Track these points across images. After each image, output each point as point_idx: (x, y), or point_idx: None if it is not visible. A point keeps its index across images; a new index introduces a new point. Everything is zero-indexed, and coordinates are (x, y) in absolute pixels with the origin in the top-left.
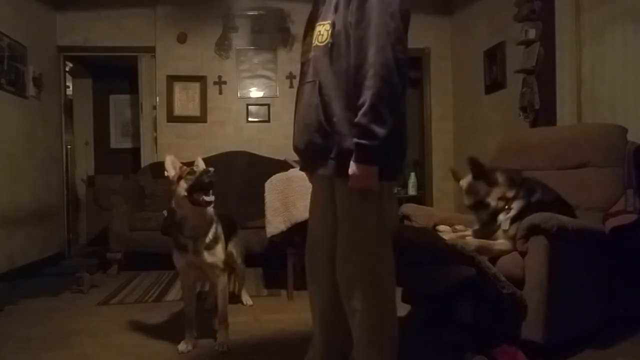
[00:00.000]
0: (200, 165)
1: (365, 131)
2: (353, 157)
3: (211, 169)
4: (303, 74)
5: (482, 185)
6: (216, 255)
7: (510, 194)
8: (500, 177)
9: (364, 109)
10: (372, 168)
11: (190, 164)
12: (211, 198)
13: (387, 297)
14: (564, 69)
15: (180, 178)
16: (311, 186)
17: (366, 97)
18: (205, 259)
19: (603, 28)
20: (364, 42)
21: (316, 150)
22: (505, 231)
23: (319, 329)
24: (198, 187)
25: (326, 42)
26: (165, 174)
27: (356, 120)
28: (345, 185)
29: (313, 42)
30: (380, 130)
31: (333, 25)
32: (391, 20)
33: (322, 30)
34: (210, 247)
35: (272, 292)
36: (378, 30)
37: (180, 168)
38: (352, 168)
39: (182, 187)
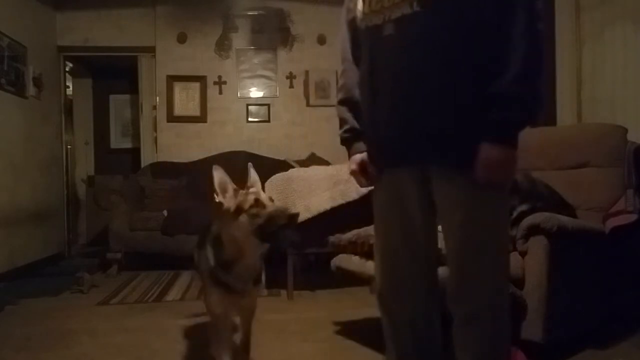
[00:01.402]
0: (254, 181)
1: (516, 102)
2: (490, 137)
3: (285, 210)
4: (380, 39)
5: None
6: (260, 291)
7: (514, 202)
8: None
9: (512, 74)
10: (515, 152)
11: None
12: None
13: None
14: (564, 69)
15: (240, 210)
16: (315, 185)
17: (515, 59)
18: (254, 299)
19: (603, 28)
20: None
21: (431, 138)
22: None
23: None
24: (271, 227)
25: None
26: (216, 198)
27: (498, 89)
28: (471, 179)
29: None
30: (533, 104)
31: None
32: None
33: None
34: (257, 282)
35: (272, 292)
36: None
37: (236, 191)
38: (489, 152)
39: (246, 223)
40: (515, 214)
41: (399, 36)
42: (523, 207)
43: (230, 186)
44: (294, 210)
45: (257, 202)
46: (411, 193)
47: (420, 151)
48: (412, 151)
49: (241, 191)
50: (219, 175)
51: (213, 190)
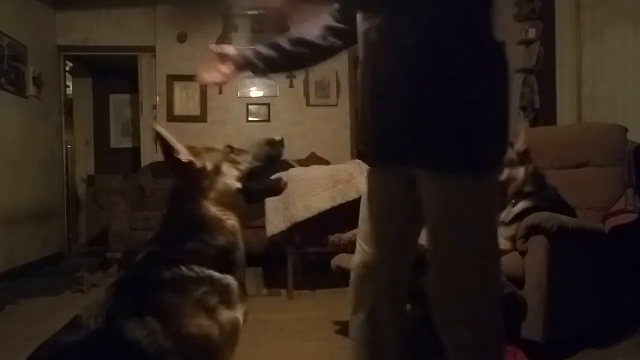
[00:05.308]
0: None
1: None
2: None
3: (270, 138)
4: (367, 43)
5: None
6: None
7: (526, 189)
8: (528, 169)
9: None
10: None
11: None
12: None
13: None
14: (564, 69)
15: (219, 164)
16: (315, 185)
17: None
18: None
19: (603, 27)
20: None
21: (423, 136)
22: (504, 223)
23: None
24: (262, 167)
25: None
26: (182, 157)
27: None
28: (454, 179)
29: None
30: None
31: None
32: None
33: None
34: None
35: (272, 291)
36: None
37: (192, 148)
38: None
39: (232, 176)
40: (517, 208)
41: (381, 41)
42: (526, 204)
43: (181, 145)
44: (293, 210)
45: (231, 147)
46: (399, 192)
47: (401, 152)
48: (393, 151)
49: (198, 147)
50: (165, 133)
51: (169, 151)
